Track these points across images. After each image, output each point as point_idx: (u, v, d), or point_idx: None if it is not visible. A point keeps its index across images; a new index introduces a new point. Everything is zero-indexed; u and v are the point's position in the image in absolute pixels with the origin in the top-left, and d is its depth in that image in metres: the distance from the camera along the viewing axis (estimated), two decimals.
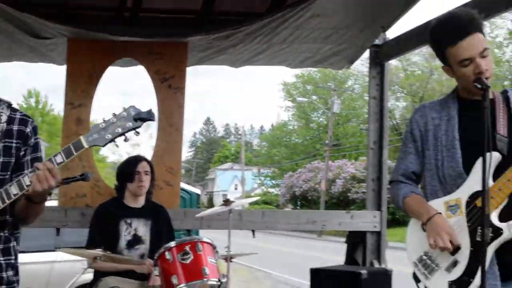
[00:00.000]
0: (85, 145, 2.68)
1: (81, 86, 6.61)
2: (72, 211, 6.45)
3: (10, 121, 2.87)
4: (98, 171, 6.94)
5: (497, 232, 2.87)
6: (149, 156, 6.50)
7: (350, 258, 7.16)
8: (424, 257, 3.05)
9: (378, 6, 6.57)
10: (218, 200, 66.65)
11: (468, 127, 3.02)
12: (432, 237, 2.95)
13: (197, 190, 18.21)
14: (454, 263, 2.96)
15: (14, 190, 2.67)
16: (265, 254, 21.59)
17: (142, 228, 5.39)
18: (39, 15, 6.15)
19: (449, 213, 3.00)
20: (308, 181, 41.14)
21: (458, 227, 2.97)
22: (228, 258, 5.16)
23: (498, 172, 2.91)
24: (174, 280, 4.63)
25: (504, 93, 3.13)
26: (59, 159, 2.67)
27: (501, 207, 2.91)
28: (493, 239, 2.87)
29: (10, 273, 2.84)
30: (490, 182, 2.89)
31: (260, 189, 62.40)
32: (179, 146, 6.80)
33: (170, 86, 6.72)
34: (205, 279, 4.67)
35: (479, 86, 2.87)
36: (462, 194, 2.98)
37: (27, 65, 7.71)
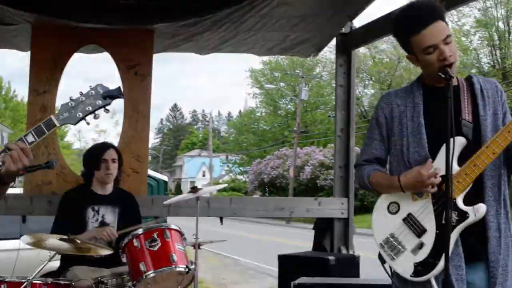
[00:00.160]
0: (57, 123, 2.66)
1: (45, 73, 6.53)
2: (38, 198, 6.40)
3: None
4: (63, 158, 6.89)
5: (463, 215, 2.93)
6: (115, 143, 6.48)
7: (318, 244, 7.20)
8: (391, 239, 3.09)
9: None
10: (186, 187, 66.61)
11: (433, 114, 3.06)
12: (424, 188, 2.98)
13: (164, 177, 18.17)
14: (420, 245, 3.00)
15: None
16: (234, 241, 21.65)
17: (109, 215, 5.38)
18: (3, 1, 6.06)
19: (415, 196, 3.05)
20: (277, 168, 41.26)
21: (424, 210, 3.02)
22: (196, 245, 5.17)
23: (464, 156, 2.97)
24: (142, 267, 4.61)
25: (469, 79, 3.19)
26: (30, 138, 2.64)
27: (466, 191, 2.97)
28: (458, 222, 2.94)
29: None
30: (456, 167, 2.95)
31: (228, 176, 62.42)
32: (146, 133, 6.76)
33: (136, 73, 6.67)
34: (173, 266, 4.67)
35: (443, 76, 2.92)
36: None
37: None
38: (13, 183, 2.75)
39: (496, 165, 3.05)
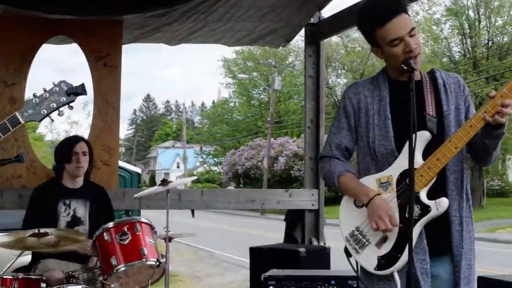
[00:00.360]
0: (22, 120, 2.66)
1: (14, 65, 6.48)
2: (8, 192, 6.36)
3: None
4: (34, 151, 6.86)
5: (426, 209, 2.96)
6: (87, 135, 6.45)
7: (289, 236, 7.23)
8: (356, 233, 3.11)
9: None
10: (160, 178, 66.33)
11: (399, 108, 3.07)
12: (374, 220, 2.99)
13: (137, 169, 18.12)
14: (384, 239, 3.02)
15: None
16: (208, 233, 21.69)
17: (81, 209, 5.35)
18: None
19: (381, 189, 3.06)
20: (251, 159, 41.33)
21: (389, 203, 3.03)
22: (166, 239, 5.16)
23: (429, 151, 2.99)
24: (113, 261, 4.61)
25: (432, 73, 3.21)
26: None
27: (429, 185, 2.98)
28: (421, 216, 2.96)
29: None
30: (420, 161, 2.98)
31: (203, 167, 62.36)
32: (116, 125, 6.73)
33: (105, 65, 6.64)
34: (143, 260, 4.66)
35: (405, 67, 2.95)
36: (393, 171, 3.04)
37: None
38: None
39: (459, 160, 3.08)
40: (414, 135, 2.80)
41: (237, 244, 17.94)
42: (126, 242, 4.70)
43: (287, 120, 48.25)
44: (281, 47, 8.57)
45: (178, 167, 78.22)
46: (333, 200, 18.15)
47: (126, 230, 4.73)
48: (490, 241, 20.69)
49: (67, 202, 5.32)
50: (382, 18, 2.99)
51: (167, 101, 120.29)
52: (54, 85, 2.72)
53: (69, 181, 5.43)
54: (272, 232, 18.70)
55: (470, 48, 35.79)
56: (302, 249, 6.17)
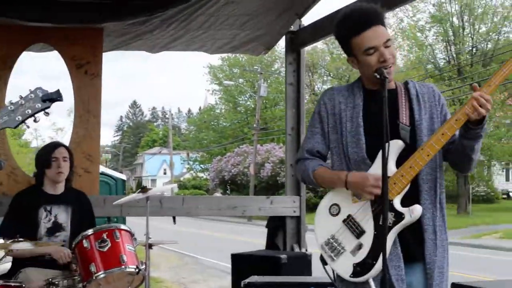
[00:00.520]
0: None
1: None
2: None
3: None
4: (14, 158, 6.82)
5: (399, 216, 2.98)
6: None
7: (271, 243, 7.25)
8: (331, 240, 3.12)
9: None
10: (147, 185, 66.18)
11: (372, 116, 3.10)
12: (363, 195, 3.03)
13: (123, 176, 18.06)
14: (359, 246, 3.04)
15: None
16: (193, 239, 21.66)
17: (62, 215, 5.31)
18: None
19: (355, 197, 3.08)
20: (237, 165, 41.32)
21: (363, 212, 3.05)
22: (146, 246, 5.17)
23: (402, 159, 3.01)
24: (92, 268, 4.62)
25: (406, 84, 3.25)
26: None
27: (403, 192, 3.01)
28: (395, 223, 2.98)
29: None
30: (394, 169, 3.00)
31: (189, 173, 62.30)
32: (97, 132, 6.72)
33: (86, 72, 6.65)
34: (123, 267, 4.68)
35: (378, 76, 2.98)
36: None
37: None
38: None
39: (433, 169, 3.10)
40: (387, 142, 2.83)
41: (223, 250, 17.91)
42: (105, 249, 4.71)
43: (273, 126, 48.27)
44: (266, 54, 8.61)
45: (165, 173, 78.08)
46: (315, 206, 18.18)
47: (105, 237, 4.75)
48: (476, 247, 20.80)
49: (48, 208, 5.28)
50: (358, 26, 3.03)
51: (154, 108, 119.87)
52: (30, 91, 2.75)
53: (50, 187, 5.40)
54: (257, 239, 18.68)
55: (454, 55, 35.98)
56: (283, 256, 6.17)
